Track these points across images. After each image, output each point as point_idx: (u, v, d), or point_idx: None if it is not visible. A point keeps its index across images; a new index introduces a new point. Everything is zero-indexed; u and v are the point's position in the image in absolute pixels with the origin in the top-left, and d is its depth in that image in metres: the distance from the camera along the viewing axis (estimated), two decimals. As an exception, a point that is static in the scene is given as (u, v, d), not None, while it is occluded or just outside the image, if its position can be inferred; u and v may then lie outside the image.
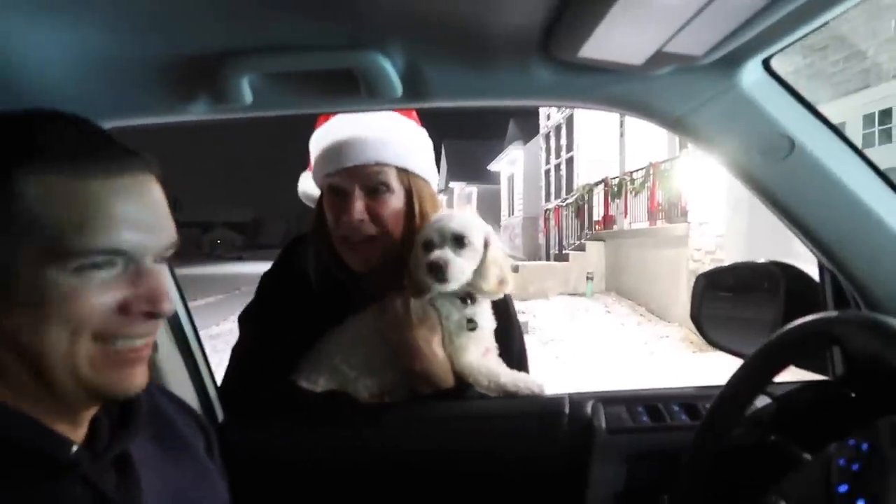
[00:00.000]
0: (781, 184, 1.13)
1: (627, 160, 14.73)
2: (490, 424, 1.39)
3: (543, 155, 20.88)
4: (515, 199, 24.17)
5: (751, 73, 1.05)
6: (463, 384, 1.43)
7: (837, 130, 1.12)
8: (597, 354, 8.38)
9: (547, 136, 20.54)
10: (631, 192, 12.91)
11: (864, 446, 0.74)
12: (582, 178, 16.42)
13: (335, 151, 1.41)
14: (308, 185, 1.66)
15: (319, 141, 1.46)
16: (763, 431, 1.24)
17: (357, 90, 1.02)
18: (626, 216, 13.22)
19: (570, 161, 18.09)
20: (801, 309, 1.36)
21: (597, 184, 14.87)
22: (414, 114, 1.54)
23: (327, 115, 1.52)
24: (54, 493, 0.69)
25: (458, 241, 1.34)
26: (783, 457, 1.02)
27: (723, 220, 9.30)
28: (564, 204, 17.28)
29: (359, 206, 1.40)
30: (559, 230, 17.37)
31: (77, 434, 0.74)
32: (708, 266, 9.58)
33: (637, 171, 12.85)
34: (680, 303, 9.88)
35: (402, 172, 1.44)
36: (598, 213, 14.79)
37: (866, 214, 1.10)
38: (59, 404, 0.72)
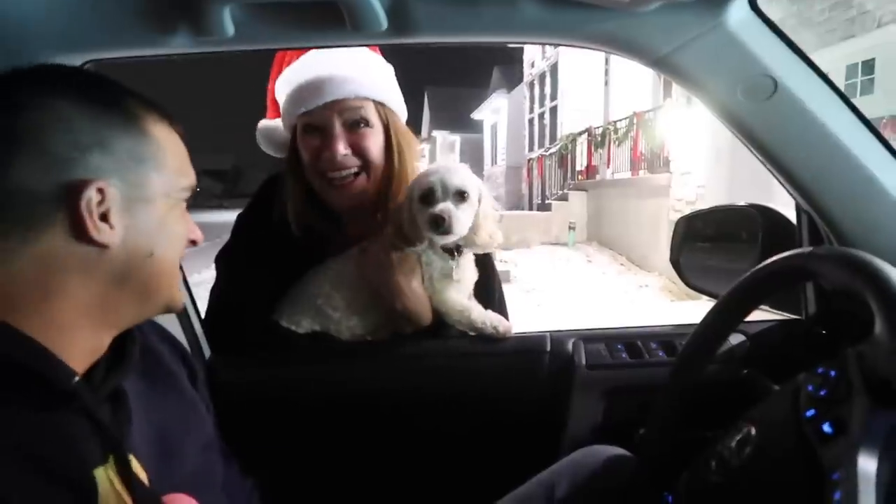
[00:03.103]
0: (763, 124, 1.14)
1: (611, 110, 14.64)
2: (474, 362, 1.42)
3: (527, 103, 20.67)
4: (499, 149, 24.01)
5: (737, 12, 1.05)
6: (441, 323, 1.45)
7: (821, 72, 1.13)
8: (578, 303, 8.50)
9: (531, 85, 20.30)
10: (614, 142, 12.88)
11: (832, 373, 0.77)
12: (566, 127, 16.31)
13: (312, 88, 1.39)
14: (270, 129, 1.60)
15: (291, 79, 1.44)
16: (736, 367, 1.29)
17: (342, 24, 1.01)
18: (608, 166, 13.22)
19: (553, 110, 17.94)
20: (778, 250, 1.40)
21: (580, 133, 14.80)
22: (378, 50, 1.52)
23: (283, 58, 1.49)
24: (55, 421, 0.71)
25: (460, 196, 1.34)
26: (754, 388, 1.06)
27: (704, 171, 9.35)
28: (548, 153, 17.22)
29: (342, 140, 1.39)
30: (542, 180, 17.35)
31: (79, 368, 0.76)
32: (688, 216, 9.64)
33: (620, 120, 12.79)
34: (660, 252, 10.01)
35: (380, 106, 1.44)
36: (581, 163, 14.76)
37: (844, 156, 1.12)
38: (83, 336, 0.76)
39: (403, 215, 1.38)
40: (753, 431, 0.84)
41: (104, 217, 0.73)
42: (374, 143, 1.43)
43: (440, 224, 1.32)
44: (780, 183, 1.23)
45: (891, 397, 0.68)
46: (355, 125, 1.41)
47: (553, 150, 16.76)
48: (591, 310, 8.07)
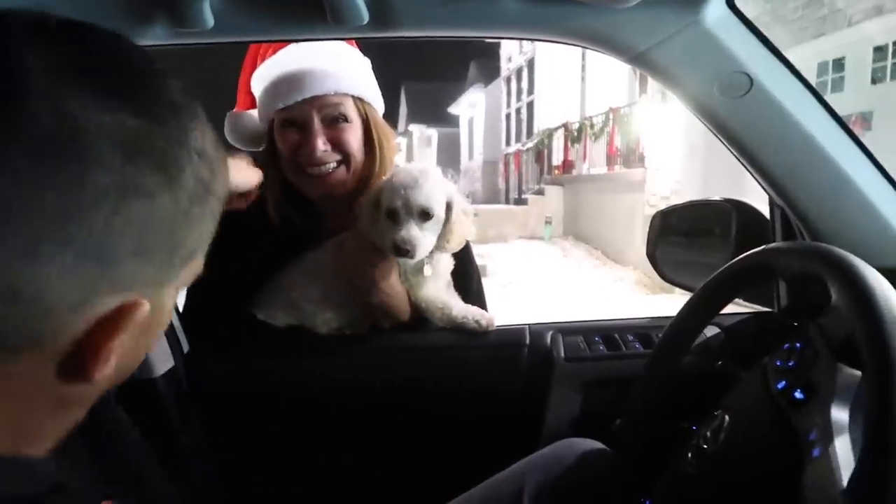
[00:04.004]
0: (739, 121, 1.16)
1: (588, 105, 14.75)
2: (452, 355, 1.42)
3: (504, 98, 20.73)
4: (475, 143, 24.03)
5: (714, 9, 1.06)
6: (420, 318, 1.46)
7: (795, 70, 1.15)
8: (554, 297, 8.57)
9: (508, 80, 20.35)
10: (590, 137, 12.99)
11: (798, 345, 0.81)
12: (542, 122, 16.39)
13: (290, 83, 1.38)
14: (240, 125, 1.58)
15: (269, 73, 1.43)
16: (711, 358, 1.32)
17: (322, 16, 1.00)
18: (585, 161, 13.32)
19: (530, 105, 18.01)
20: (751, 244, 1.42)
21: (557, 128, 14.89)
22: (355, 44, 1.52)
23: (257, 51, 1.49)
24: None
25: (424, 215, 1.33)
26: (729, 380, 1.08)
27: (679, 166, 9.47)
28: (525, 148, 17.29)
29: (321, 136, 1.39)
30: (519, 174, 17.43)
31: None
32: (663, 211, 9.78)
33: (597, 116, 12.89)
34: (635, 247, 10.11)
35: (359, 102, 1.44)
36: (557, 158, 14.86)
37: (818, 152, 1.14)
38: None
39: (365, 217, 1.37)
40: (727, 418, 0.86)
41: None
42: (354, 137, 1.43)
43: (402, 254, 1.32)
44: (755, 178, 1.25)
45: (854, 354, 0.71)
46: (334, 121, 1.41)
47: (530, 144, 16.84)
48: (567, 303, 8.14)
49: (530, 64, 17.74)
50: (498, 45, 20.65)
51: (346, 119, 1.42)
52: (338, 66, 1.41)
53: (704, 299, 1.04)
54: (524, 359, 1.41)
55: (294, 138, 1.41)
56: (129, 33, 1.05)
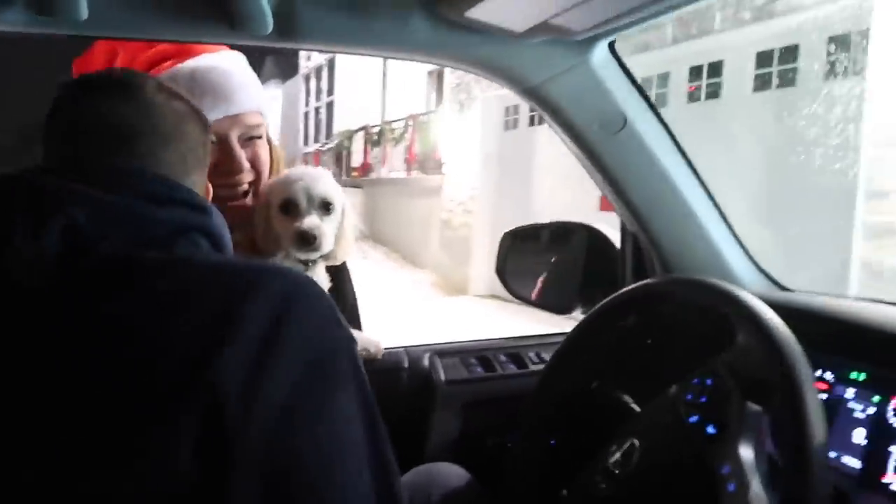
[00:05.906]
0: (611, 155, 1.26)
1: (388, 110, 14.97)
2: None
3: (303, 96, 20.30)
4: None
5: (599, 52, 1.14)
6: None
7: (658, 114, 1.27)
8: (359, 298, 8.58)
9: (307, 78, 19.96)
10: (390, 142, 13.20)
11: (708, 381, 0.89)
12: (342, 123, 16.32)
13: (214, 96, 1.20)
14: None
15: (182, 84, 1.23)
16: (586, 379, 1.40)
17: (222, 21, 0.90)
18: (384, 165, 13.50)
19: (330, 105, 17.84)
20: (599, 264, 1.54)
21: (357, 130, 14.92)
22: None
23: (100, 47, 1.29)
24: None
25: (326, 207, 1.24)
26: (609, 402, 1.15)
27: (476, 174, 9.97)
28: (324, 149, 17.08)
29: (242, 154, 1.23)
30: (317, 175, 17.18)
31: None
32: (459, 216, 10.32)
33: (397, 121, 13.13)
34: (431, 250, 10.48)
35: (264, 118, 1.31)
36: (357, 160, 14.89)
37: (671, 187, 1.27)
38: None
39: (258, 223, 1.26)
40: (637, 442, 0.92)
41: None
42: (266, 155, 1.29)
43: (309, 242, 1.21)
44: (615, 206, 1.36)
45: (763, 394, 0.80)
46: (250, 138, 1.26)
47: (330, 145, 16.68)
48: (368, 305, 8.17)
49: (331, 64, 17.55)
50: (295, 41, 20.16)
51: (259, 136, 1.28)
52: (252, 80, 1.27)
53: (600, 319, 1.10)
54: (404, 383, 1.39)
55: (213, 157, 1.23)
56: None
